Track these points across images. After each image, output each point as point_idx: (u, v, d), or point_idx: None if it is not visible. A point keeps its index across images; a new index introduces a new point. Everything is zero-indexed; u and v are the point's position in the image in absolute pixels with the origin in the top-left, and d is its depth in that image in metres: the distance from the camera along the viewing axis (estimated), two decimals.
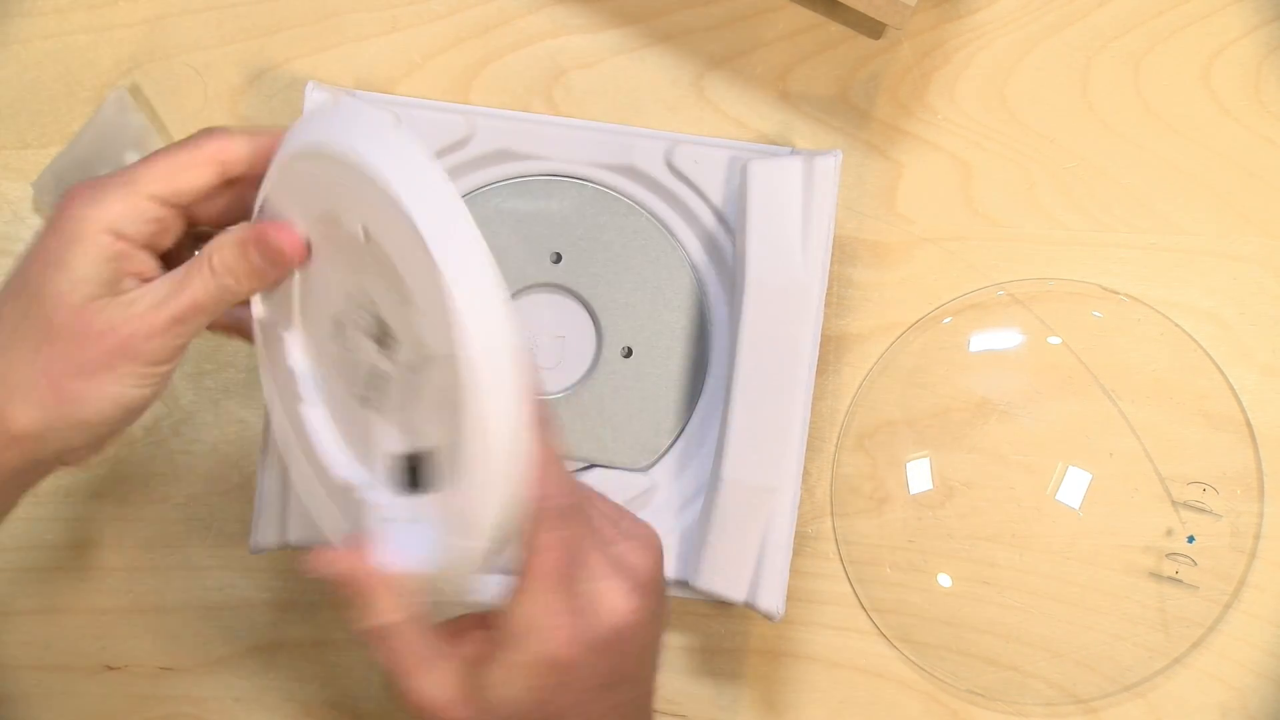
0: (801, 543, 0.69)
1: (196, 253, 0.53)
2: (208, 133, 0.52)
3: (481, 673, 0.51)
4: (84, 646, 0.69)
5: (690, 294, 0.67)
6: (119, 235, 0.51)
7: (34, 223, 0.69)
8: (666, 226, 0.67)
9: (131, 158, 0.68)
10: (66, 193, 0.52)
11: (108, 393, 0.51)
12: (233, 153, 0.52)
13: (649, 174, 0.67)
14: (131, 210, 0.51)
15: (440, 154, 0.66)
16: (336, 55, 0.69)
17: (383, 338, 0.51)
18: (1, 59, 0.69)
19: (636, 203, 0.67)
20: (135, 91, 0.69)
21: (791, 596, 0.68)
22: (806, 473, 0.68)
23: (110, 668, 0.70)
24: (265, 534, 0.63)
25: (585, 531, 0.52)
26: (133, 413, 0.52)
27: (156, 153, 0.52)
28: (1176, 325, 0.69)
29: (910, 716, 0.69)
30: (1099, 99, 0.69)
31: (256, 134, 0.53)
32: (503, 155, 0.67)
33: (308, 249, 0.52)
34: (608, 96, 0.69)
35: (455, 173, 0.67)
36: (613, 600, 0.51)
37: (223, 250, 0.52)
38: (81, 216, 0.50)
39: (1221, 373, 0.68)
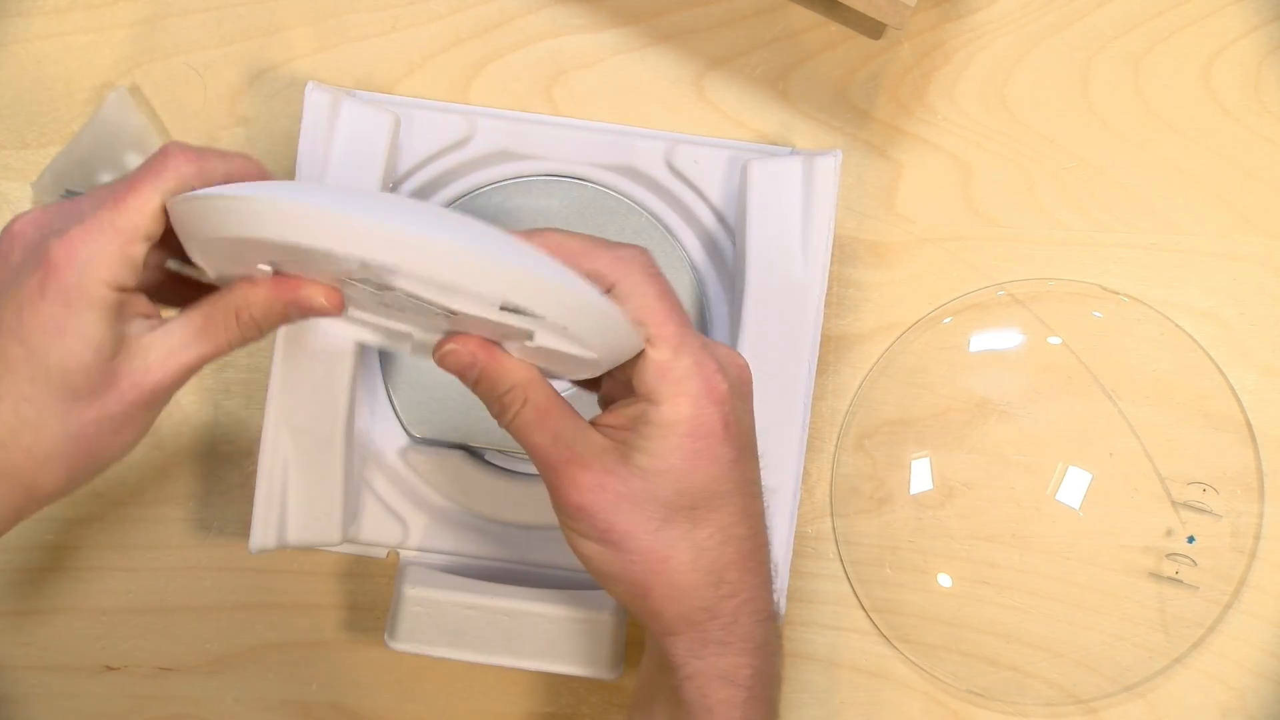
0: (801, 543, 0.69)
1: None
2: (168, 154, 0.51)
3: (629, 444, 0.51)
4: (84, 646, 0.69)
5: (690, 294, 0.67)
6: (119, 287, 0.50)
7: None
8: (666, 226, 0.67)
9: (131, 158, 0.68)
10: (47, 245, 0.49)
11: (126, 441, 0.52)
12: (201, 176, 0.51)
13: (649, 174, 0.67)
14: (124, 259, 0.50)
15: (440, 154, 0.67)
16: (336, 55, 0.69)
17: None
18: (1, 59, 0.69)
19: (636, 203, 0.67)
20: (135, 91, 0.69)
21: (791, 596, 0.68)
22: (806, 473, 0.68)
23: (110, 668, 0.70)
24: (265, 534, 0.63)
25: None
26: (135, 445, 0.54)
27: (124, 185, 0.51)
28: (1176, 325, 0.69)
29: (910, 716, 0.69)
30: (1099, 99, 0.69)
31: (223, 154, 0.52)
32: (503, 155, 0.67)
33: (340, 301, 0.51)
34: (608, 96, 0.69)
35: (455, 173, 0.67)
36: (731, 355, 0.53)
37: (253, 308, 0.51)
38: (78, 281, 0.49)
39: (1221, 373, 0.68)
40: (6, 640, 0.69)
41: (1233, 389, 0.68)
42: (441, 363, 0.52)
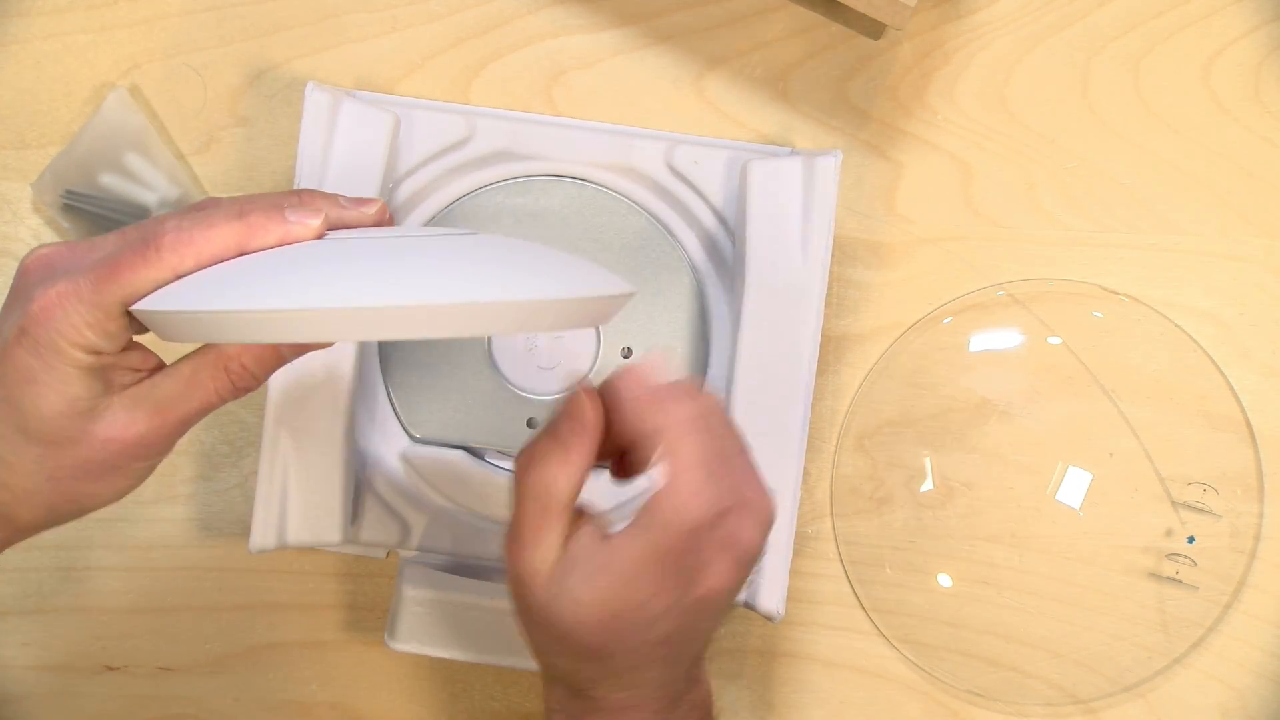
0: (801, 543, 0.69)
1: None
2: (161, 243, 0.47)
3: (562, 566, 0.51)
4: (84, 646, 0.69)
5: (690, 294, 0.67)
6: (96, 352, 0.48)
7: (34, 223, 0.69)
8: (666, 226, 0.67)
9: (131, 158, 0.68)
10: (32, 294, 0.48)
11: (115, 487, 0.51)
12: (191, 260, 0.47)
13: (649, 174, 0.67)
14: (100, 331, 0.48)
15: (440, 154, 0.66)
16: (336, 55, 0.69)
17: None
18: (1, 59, 0.69)
19: (636, 203, 0.67)
20: (135, 91, 0.69)
21: (791, 597, 0.68)
22: (806, 473, 0.68)
23: (110, 668, 0.70)
24: (265, 534, 0.63)
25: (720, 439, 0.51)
26: (131, 491, 0.52)
27: (113, 258, 0.47)
28: (1176, 325, 0.69)
29: (910, 717, 0.69)
30: (1099, 99, 0.69)
31: (210, 225, 0.48)
32: (503, 155, 0.67)
33: None
34: (608, 96, 0.69)
35: (455, 173, 0.67)
36: (717, 576, 0.51)
37: (244, 356, 0.50)
38: (50, 339, 0.47)
39: (1221, 373, 0.68)
40: (6, 640, 0.69)
41: (1233, 389, 0.68)
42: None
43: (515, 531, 0.52)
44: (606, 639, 0.51)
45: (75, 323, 0.47)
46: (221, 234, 0.47)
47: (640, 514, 0.50)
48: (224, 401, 0.51)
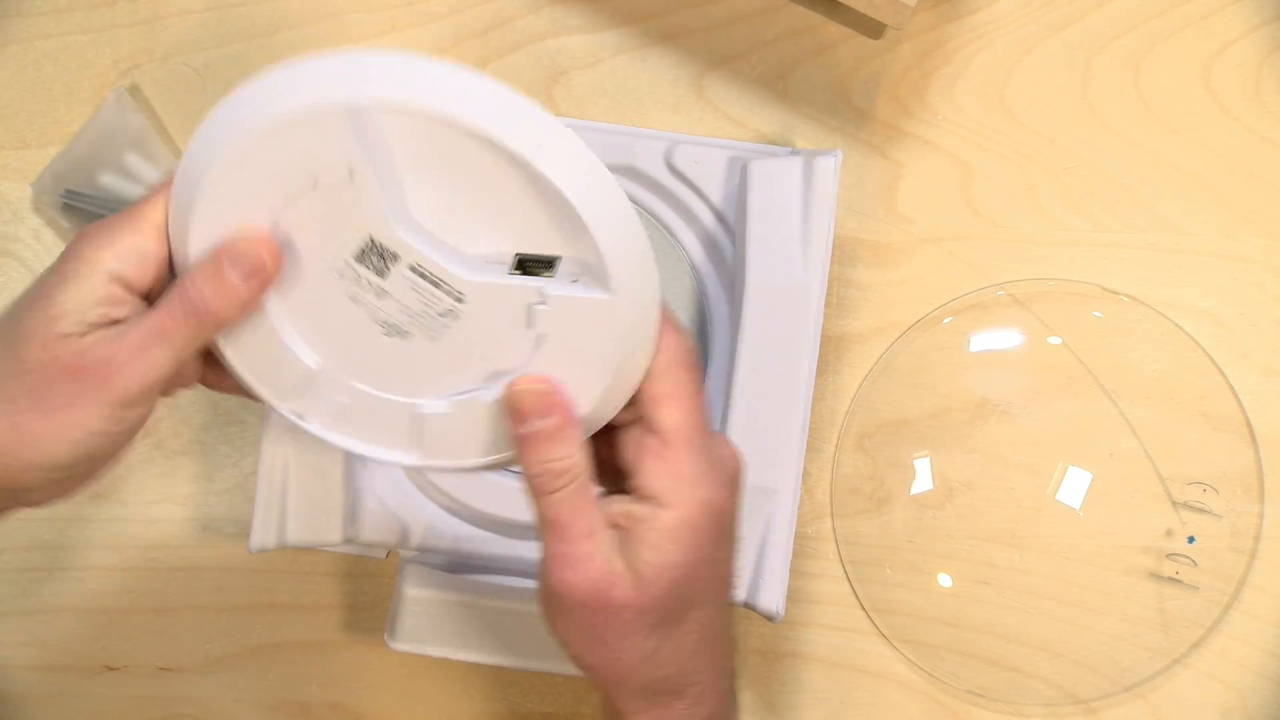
0: (801, 543, 0.69)
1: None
2: None
3: (630, 541, 0.50)
4: (84, 646, 0.70)
5: (690, 294, 0.67)
6: (119, 279, 0.48)
7: (34, 223, 0.69)
8: (666, 226, 0.67)
9: (131, 158, 0.68)
10: (80, 231, 0.49)
11: (67, 434, 0.48)
12: None
13: (649, 174, 0.67)
14: (137, 246, 0.48)
15: None
16: None
17: (384, 268, 0.49)
18: (1, 59, 0.69)
19: (636, 203, 0.67)
20: (135, 91, 0.69)
21: (791, 597, 0.68)
22: (806, 473, 0.68)
23: (110, 668, 0.70)
24: (265, 534, 0.63)
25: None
26: (93, 461, 0.50)
27: (164, 185, 0.49)
28: (1176, 325, 0.69)
29: (910, 717, 0.69)
30: (1099, 99, 0.69)
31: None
32: None
33: (279, 254, 0.49)
34: (608, 96, 0.69)
35: None
36: (725, 446, 0.52)
37: (194, 275, 0.49)
38: (86, 258, 0.48)
39: (1221, 373, 0.68)
40: (6, 640, 0.69)
41: (1233, 389, 0.68)
42: (518, 400, 0.50)
43: (553, 532, 0.50)
44: (684, 592, 0.50)
45: (111, 238, 0.49)
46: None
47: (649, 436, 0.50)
48: (188, 331, 0.49)
